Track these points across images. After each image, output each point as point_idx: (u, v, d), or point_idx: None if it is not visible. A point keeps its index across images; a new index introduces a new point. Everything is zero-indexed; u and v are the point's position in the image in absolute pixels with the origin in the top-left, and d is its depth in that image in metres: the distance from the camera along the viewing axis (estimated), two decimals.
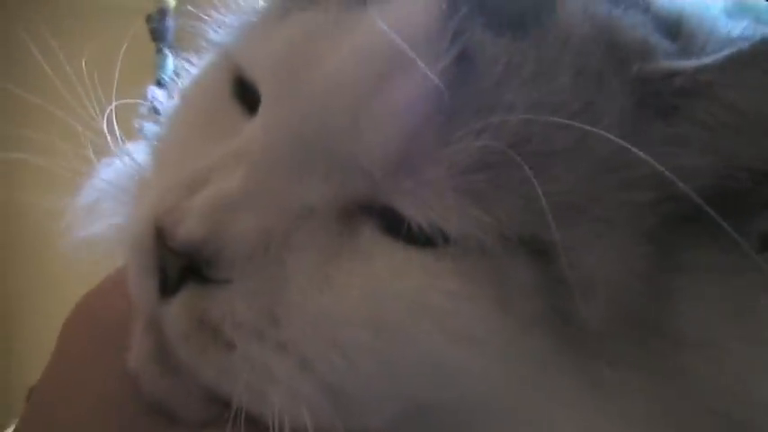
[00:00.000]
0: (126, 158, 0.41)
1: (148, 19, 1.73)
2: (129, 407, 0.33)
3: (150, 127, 0.45)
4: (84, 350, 0.37)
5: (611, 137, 0.28)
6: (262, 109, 0.34)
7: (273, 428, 0.29)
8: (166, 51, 1.62)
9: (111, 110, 0.41)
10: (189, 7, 0.44)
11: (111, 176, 0.42)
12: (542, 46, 0.30)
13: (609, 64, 0.30)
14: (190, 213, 0.31)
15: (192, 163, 0.34)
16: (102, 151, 0.41)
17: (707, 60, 0.29)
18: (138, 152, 0.42)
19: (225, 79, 0.38)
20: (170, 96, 0.45)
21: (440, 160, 0.29)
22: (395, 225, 0.30)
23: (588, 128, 0.28)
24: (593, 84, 0.30)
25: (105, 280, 0.39)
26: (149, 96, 0.48)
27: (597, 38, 0.30)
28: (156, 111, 0.46)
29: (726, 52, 0.29)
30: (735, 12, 0.34)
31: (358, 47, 0.31)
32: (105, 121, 0.40)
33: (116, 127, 0.41)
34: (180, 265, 0.31)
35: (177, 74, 0.45)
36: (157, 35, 1.73)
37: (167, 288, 0.31)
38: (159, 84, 0.50)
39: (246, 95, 0.36)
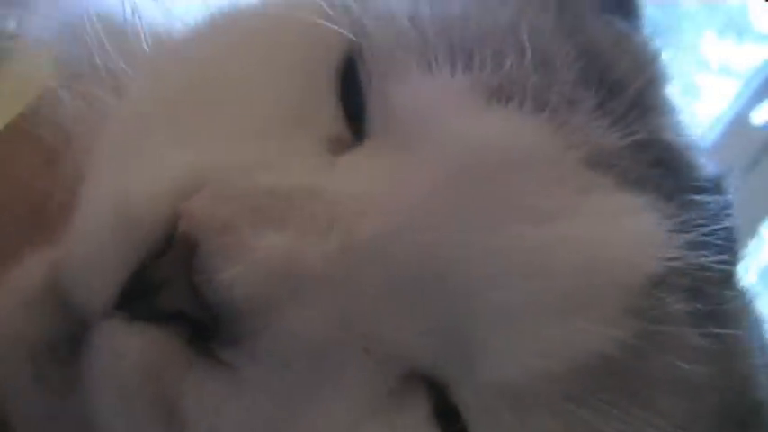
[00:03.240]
0: None
1: None
2: None
3: None
4: None
5: None
6: (392, 173, 0.26)
7: None
8: None
9: None
10: None
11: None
12: (713, 364, 0.28)
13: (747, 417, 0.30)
14: (249, 260, 0.23)
15: (255, 148, 0.27)
16: None
17: None
18: None
19: (333, 50, 0.29)
20: None
21: (558, 414, 0.25)
22: (446, 416, 0.26)
23: None
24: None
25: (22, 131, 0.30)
26: None
27: (740, 393, 0.30)
28: None
29: None
30: None
31: (559, 258, 0.26)
32: None
33: None
34: (188, 308, 0.24)
35: None
36: None
37: (137, 305, 0.24)
38: None
39: (352, 95, 0.29)
